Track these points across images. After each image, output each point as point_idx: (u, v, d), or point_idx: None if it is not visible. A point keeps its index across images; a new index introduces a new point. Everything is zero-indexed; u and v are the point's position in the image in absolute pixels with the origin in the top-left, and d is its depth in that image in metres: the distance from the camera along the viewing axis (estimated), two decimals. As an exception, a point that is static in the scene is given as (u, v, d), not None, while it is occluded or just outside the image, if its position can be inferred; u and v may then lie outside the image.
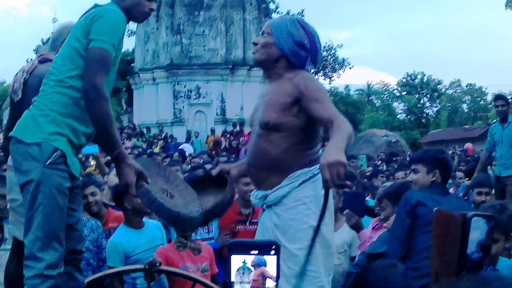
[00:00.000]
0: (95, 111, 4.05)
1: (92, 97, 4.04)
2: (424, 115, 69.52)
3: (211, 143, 29.30)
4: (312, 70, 4.65)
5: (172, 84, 34.47)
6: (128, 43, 48.75)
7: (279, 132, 4.18)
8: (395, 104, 71.97)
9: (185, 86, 34.30)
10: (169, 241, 6.38)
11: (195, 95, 34.37)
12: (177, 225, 5.24)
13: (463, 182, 11.82)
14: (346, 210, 6.13)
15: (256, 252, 1.56)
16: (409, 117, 68.53)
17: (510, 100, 11.21)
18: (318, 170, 4.16)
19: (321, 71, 57.71)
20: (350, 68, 58.24)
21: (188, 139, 31.73)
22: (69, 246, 4.27)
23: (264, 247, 1.57)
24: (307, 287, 4.14)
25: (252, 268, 1.56)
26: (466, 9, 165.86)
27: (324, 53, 57.29)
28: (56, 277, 4.03)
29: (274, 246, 1.59)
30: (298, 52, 4.35)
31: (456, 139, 41.36)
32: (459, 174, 12.14)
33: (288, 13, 53.57)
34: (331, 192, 3.81)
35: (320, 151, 4.52)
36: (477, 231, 1.95)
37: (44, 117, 4.12)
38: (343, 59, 57.52)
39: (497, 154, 10.87)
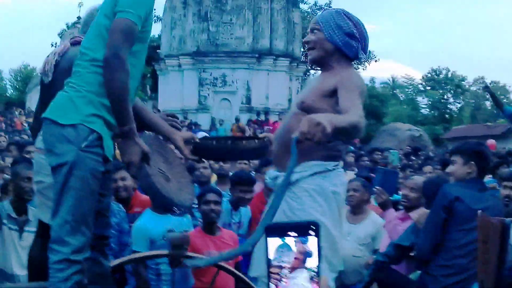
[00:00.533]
0: (113, 81, 3.96)
1: (112, 67, 3.95)
2: (448, 110, 69.02)
3: (236, 132, 29.27)
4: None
5: (198, 71, 34.53)
6: (154, 29, 48.73)
7: (307, 113, 4.07)
8: (419, 98, 71.47)
9: (211, 74, 34.37)
10: (194, 226, 6.44)
11: (220, 82, 34.42)
12: (168, 210, 5.41)
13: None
14: (377, 187, 6.16)
15: (295, 234, 1.46)
16: (432, 112, 68.07)
17: None
18: (335, 167, 4.25)
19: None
20: (376, 61, 57.96)
21: (212, 127, 31.78)
22: (96, 232, 4.24)
23: (302, 228, 1.46)
24: None
25: (293, 247, 1.47)
26: (494, 4, 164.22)
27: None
28: (83, 262, 4.00)
29: (313, 226, 1.46)
30: (350, 43, 4.38)
31: (478, 136, 41.02)
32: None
33: (315, 4, 53.46)
34: (356, 184, 3.83)
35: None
36: None
37: (82, 98, 4.04)
38: (369, 52, 57.27)
39: None
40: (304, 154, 4.13)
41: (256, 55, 33.50)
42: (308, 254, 1.47)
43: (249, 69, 33.78)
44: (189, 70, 34.79)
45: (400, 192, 6.85)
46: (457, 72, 69.49)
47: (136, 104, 4.58)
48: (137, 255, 5.63)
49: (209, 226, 6.11)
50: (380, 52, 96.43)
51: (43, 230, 4.58)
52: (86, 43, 4.26)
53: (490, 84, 65.46)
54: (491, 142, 29.29)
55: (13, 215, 6.19)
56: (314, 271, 1.46)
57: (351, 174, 8.72)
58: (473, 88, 69.53)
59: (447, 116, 68.16)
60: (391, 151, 12.08)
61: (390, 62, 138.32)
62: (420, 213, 5.51)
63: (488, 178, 12.72)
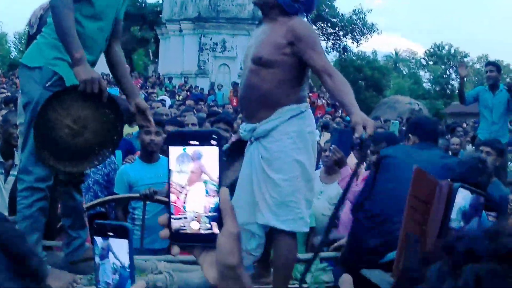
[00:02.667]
0: (54, 16, 4.27)
1: (53, 5, 4.28)
2: (449, 86, 68.83)
3: (232, 97, 29.39)
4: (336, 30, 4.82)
5: (198, 36, 34.57)
6: (157, -6, 48.73)
7: (270, 68, 4.37)
8: (421, 73, 71.35)
9: (211, 39, 34.40)
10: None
11: (220, 48, 34.46)
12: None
13: (460, 148, 11.75)
14: (333, 145, 6.27)
15: (197, 142, 1.45)
16: (434, 87, 67.96)
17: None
18: (306, 108, 4.47)
19: (349, 34, 57.30)
20: (378, 33, 57.74)
21: (211, 91, 31.86)
22: None
23: (204, 137, 1.45)
24: (287, 216, 4.37)
25: (191, 159, 1.46)
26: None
27: (353, 17, 56.86)
28: (45, 189, 4.36)
29: (214, 136, 1.45)
30: (291, 3, 4.52)
31: (477, 113, 41.01)
32: (455, 140, 11.92)
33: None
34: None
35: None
36: (460, 198, 1.89)
37: (47, 44, 4.43)
38: (372, 24, 57.04)
39: (486, 120, 10.72)
40: (277, 103, 4.36)
41: (256, 22, 33.34)
42: (204, 168, 1.46)
43: (249, 36, 33.67)
44: (190, 35, 34.81)
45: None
46: (460, 49, 69.24)
47: (115, 57, 4.96)
48: (107, 198, 5.89)
49: (147, 155, 6.34)
50: (384, 25, 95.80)
51: None
52: None
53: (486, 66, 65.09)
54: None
55: (0, 159, 6.37)
56: (213, 184, 1.47)
57: (327, 135, 8.85)
58: (476, 66, 69.24)
59: (448, 91, 67.96)
60: (392, 121, 12.12)
61: (394, 36, 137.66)
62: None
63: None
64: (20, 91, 4.68)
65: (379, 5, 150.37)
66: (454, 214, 1.81)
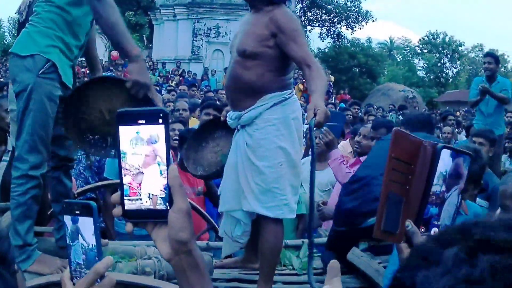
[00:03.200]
0: (103, 18, 4.25)
1: (98, 7, 4.24)
2: (444, 74, 68.98)
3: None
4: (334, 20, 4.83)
5: (192, 22, 34.60)
6: (152, -21, 48.56)
7: (255, 60, 4.41)
8: (415, 61, 71.44)
9: (205, 25, 34.43)
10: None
11: (214, 33, 34.49)
12: None
13: (451, 137, 11.74)
14: (324, 127, 6.29)
15: (144, 121, 1.49)
16: (428, 75, 68.07)
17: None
18: (290, 95, 4.50)
19: (344, 21, 57.29)
20: (373, 21, 57.74)
21: (204, 76, 31.89)
22: (62, 154, 4.71)
23: (152, 116, 1.48)
24: (272, 203, 4.40)
25: (145, 142, 1.50)
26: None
27: (348, 4, 56.85)
28: (39, 177, 4.39)
29: (161, 114, 1.49)
30: None
31: (471, 101, 41.16)
32: (446, 129, 11.92)
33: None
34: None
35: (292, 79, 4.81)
36: (442, 163, 1.84)
37: (38, 32, 4.44)
38: (367, 11, 57.03)
39: (482, 112, 10.80)
40: (260, 92, 4.39)
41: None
42: (157, 152, 1.51)
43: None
44: (184, 20, 34.84)
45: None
46: (454, 38, 69.30)
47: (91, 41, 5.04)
48: (98, 184, 5.90)
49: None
50: (378, 13, 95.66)
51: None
52: None
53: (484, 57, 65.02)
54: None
55: None
56: (162, 164, 1.51)
57: (318, 122, 8.86)
58: (471, 55, 69.37)
59: (442, 80, 68.13)
60: (390, 113, 12.25)
61: (388, 23, 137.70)
62: None
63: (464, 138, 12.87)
64: (11, 80, 4.63)
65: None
66: (434, 179, 1.82)
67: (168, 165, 1.50)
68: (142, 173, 1.51)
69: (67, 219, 1.67)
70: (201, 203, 6.28)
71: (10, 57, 4.57)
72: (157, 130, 1.49)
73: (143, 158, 1.50)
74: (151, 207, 1.52)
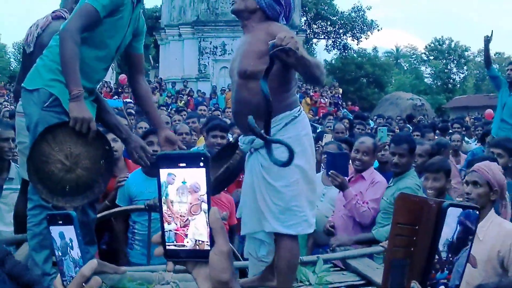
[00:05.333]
0: (60, 48, 4.42)
1: (61, 37, 4.43)
2: (451, 80, 68.88)
3: (229, 99, 29.28)
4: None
5: (197, 40, 34.67)
6: (156, 0, 48.79)
7: (257, 80, 4.28)
8: (422, 68, 71.40)
9: (210, 43, 34.49)
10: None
11: (220, 51, 34.54)
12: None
13: (460, 145, 11.60)
14: (331, 171, 6.32)
15: (185, 164, 1.49)
16: (435, 81, 67.97)
17: None
18: (299, 112, 4.50)
19: (349, 32, 57.36)
20: (378, 30, 57.77)
21: (213, 95, 31.91)
22: None
23: (193, 159, 1.49)
24: (292, 221, 4.41)
25: (191, 191, 1.50)
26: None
27: (353, 14, 56.93)
28: (51, 208, 4.46)
29: (202, 158, 1.49)
30: (273, 5, 4.57)
31: (480, 106, 41.02)
32: (455, 136, 11.81)
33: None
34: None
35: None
36: (448, 227, 1.77)
37: (44, 66, 4.58)
38: (372, 21, 57.07)
39: (498, 115, 10.74)
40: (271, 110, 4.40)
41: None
42: (202, 199, 1.51)
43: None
44: (189, 39, 34.91)
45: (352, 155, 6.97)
46: (460, 43, 69.27)
47: (140, 91, 5.23)
48: (111, 211, 5.94)
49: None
50: (383, 21, 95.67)
51: (26, 187, 4.96)
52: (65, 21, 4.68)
53: (494, 55, 64.94)
54: (489, 112, 29.37)
55: None
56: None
57: (328, 137, 8.88)
58: (477, 59, 69.25)
59: (450, 86, 68.03)
60: (379, 128, 12.17)
61: (394, 32, 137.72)
62: None
63: (478, 145, 12.82)
64: (23, 113, 4.75)
65: (378, 0, 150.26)
66: (440, 246, 1.78)
67: (209, 207, 1.51)
68: (188, 220, 1.53)
69: (55, 234, 1.76)
70: (225, 227, 6.29)
71: (22, 91, 4.67)
72: (198, 174, 1.50)
73: (188, 206, 1.51)
74: (193, 248, 1.54)
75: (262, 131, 3.76)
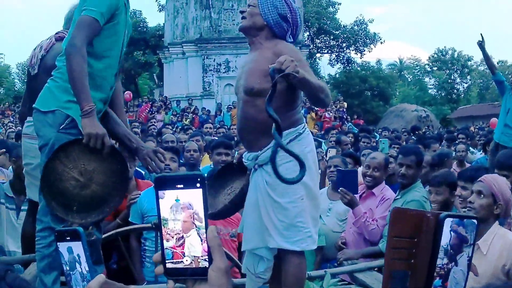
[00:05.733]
0: (68, 65, 4.42)
1: (68, 53, 4.46)
2: (455, 90, 68.77)
3: (235, 116, 29.25)
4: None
5: (201, 58, 34.68)
6: (159, 18, 48.90)
7: (263, 97, 4.25)
8: (426, 79, 71.29)
9: (214, 60, 34.51)
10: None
11: (224, 68, 34.55)
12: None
13: (465, 155, 11.52)
14: (340, 188, 6.35)
15: (182, 186, 1.53)
16: (439, 92, 67.86)
17: None
18: (303, 129, 4.55)
19: (352, 46, 57.39)
20: (381, 43, 57.75)
21: (218, 112, 31.94)
22: None
23: (189, 180, 1.53)
24: (297, 237, 4.45)
25: (183, 209, 1.55)
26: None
27: (355, 28, 56.97)
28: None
29: (199, 179, 1.53)
30: (281, 23, 4.67)
31: (484, 115, 40.99)
32: (460, 147, 11.60)
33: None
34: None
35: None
36: (444, 234, 1.80)
37: (58, 87, 4.60)
38: (374, 34, 57.10)
39: (501, 120, 10.73)
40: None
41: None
42: (196, 216, 1.55)
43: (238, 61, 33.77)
44: (193, 57, 34.91)
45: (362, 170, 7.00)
46: (463, 52, 69.17)
47: (112, 115, 5.09)
48: (124, 228, 5.98)
49: None
50: (386, 33, 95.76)
51: (33, 208, 5.10)
52: (66, 39, 4.70)
53: (498, 63, 64.82)
54: (494, 120, 29.39)
55: (10, 194, 6.50)
56: (203, 228, 1.56)
57: (333, 151, 8.94)
58: (480, 68, 69.17)
59: (454, 96, 67.94)
60: (381, 140, 12.17)
61: (397, 44, 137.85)
62: None
63: (482, 154, 12.83)
64: (36, 134, 4.75)
65: (380, 13, 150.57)
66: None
67: (206, 226, 1.55)
68: (183, 237, 1.56)
69: (63, 249, 1.78)
70: (234, 244, 6.31)
71: (33, 112, 4.66)
72: (195, 194, 1.54)
73: (182, 223, 1.55)
74: (192, 266, 1.58)
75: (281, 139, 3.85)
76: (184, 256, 1.58)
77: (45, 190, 4.47)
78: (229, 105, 32.00)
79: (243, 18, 4.80)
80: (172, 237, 1.57)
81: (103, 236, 5.77)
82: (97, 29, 4.55)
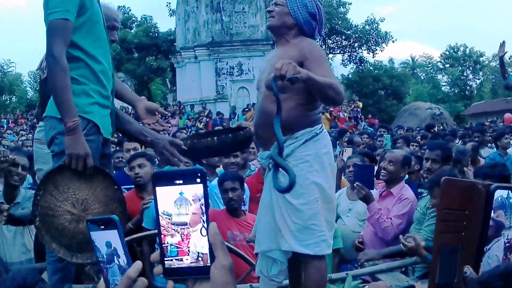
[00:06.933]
0: (49, 79, 4.18)
1: (48, 65, 4.24)
2: (468, 87, 68.56)
3: (250, 118, 29.29)
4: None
5: (214, 62, 34.75)
6: (170, 23, 48.98)
7: (284, 93, 4.30)
8: (439, 76, 71.17)
9: (227, 63, 34.55)
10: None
11: (237, 71, 34.58)
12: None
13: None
14: (356, 183, 6.33)
15: (181, 181, 1.49)
16: (452, 89, 67.70)
17: None
18: (320, 129, 4.49)
19: (364, 45, 57.25)
20: (393, 41, 57.59)
21: (232, 115, 31.93)
22: None
23: (189, 176, 1.48)
24: (311, 240, 4.35)
25: (191, 201, 1.50)
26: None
27: (367, 27, 56.84)
28: None
29: (199, 174, 1.49)
30: (310, 21, 4.65)
31: (498, 111, 40.81)
32: (469, 146, 11.52)
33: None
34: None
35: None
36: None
37: (72, 92, 4.23)
38: (386, 33, 56.95)
39: None
40: (291, 128, 4.41)
41: (271, 42, 33.38)
42: (202, 210, 1.51)
43: (265, 56, 33.74)
44: (205, 61, 34.96)
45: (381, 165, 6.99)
46: (475, 48, 68.97)
47: (122, 115, 4.97)
48: (138, 235, 5.94)
49: (232, 211, 6.26)
50: (398, 32, 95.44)
51: None
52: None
53: (509, 59, 64.28)
54: (508, 116, 29.31)
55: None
56: (205, 222, 1.52)
57: (349, 151, 8.90)
58: (492, 64, 68.89)
59: (467, 92, 67.72)
60: (384, 135, 12.17)
61: (408, 42, 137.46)
62: None
63: (493, 150, 12.77)
64: (47, 141, 4.46)
65: (390, 12, 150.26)
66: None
67: (207, 222, 1.52)
68: (190, 232, 1.53)
69: (100, 242, 1.70)
70: (252, 249, 6.27)
71: (45, 120, 4.44)
72: (196, 190, 1.50)
73: (191, 216, 1.51)
74: (192, 264, 1.54)
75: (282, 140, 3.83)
76: (189, 253, 1.54)
77: (42, 231, 4.27)
78: (245, 108, 31.98)
79: (271, 17, 4.75)
80: (178, 232, 1.53)
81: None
82: (70, 28, 4.25)
